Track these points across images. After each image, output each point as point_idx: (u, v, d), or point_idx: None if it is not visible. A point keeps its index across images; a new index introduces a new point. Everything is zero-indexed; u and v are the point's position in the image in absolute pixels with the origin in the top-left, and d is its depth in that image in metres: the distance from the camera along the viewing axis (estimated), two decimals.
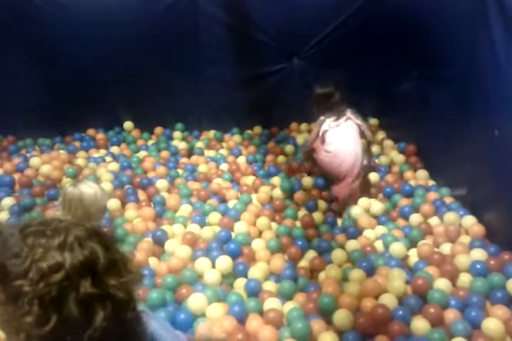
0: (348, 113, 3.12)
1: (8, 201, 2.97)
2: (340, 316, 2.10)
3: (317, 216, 2.96)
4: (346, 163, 3.00)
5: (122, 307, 0.83)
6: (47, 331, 0.77)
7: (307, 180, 3.32)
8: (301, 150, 3.67)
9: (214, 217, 2.90)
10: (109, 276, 0.82)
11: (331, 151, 3.04)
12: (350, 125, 3.10)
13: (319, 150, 3.14)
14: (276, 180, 3.35)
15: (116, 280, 0.83)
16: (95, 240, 0.84)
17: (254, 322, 2.08)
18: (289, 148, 3.81)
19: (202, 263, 2.44)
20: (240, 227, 2.79)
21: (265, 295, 2.28)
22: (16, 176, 3.24)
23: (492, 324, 2.06)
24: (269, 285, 2.38)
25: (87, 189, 2.15)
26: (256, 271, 2.43)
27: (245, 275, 2.44)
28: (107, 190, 2.31)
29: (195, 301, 2.15)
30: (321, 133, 3.11)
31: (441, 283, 2.31)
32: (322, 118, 3.13)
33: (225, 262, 2.43)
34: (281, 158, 3.69)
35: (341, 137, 3.04)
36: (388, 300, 2.21)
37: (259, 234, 2.84)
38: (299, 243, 2.70)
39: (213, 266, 2.45)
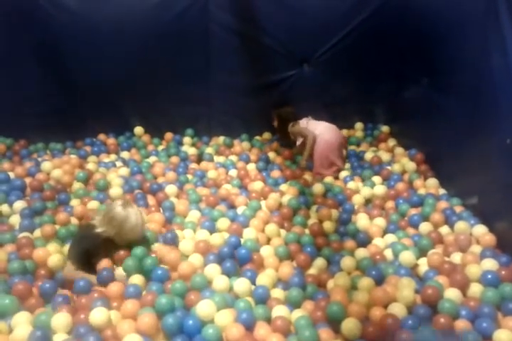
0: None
1: (20, 204, 3.00)
2: (349, 325, 2.08)
3: (327, 225, 2.95)
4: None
5: None
6: None
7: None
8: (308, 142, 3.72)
9: (223, 222, 2.89)
10: None
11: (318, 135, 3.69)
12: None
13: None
14: (284, 187, 3.35)
15: None
16: None
17: (262, 330, 2.07)
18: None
19: (211, 270, 2.44)
20: (249, 234, 2.78)
21: (273, 302, 2.27)
22: (28, 180, 3.27)
23: (504, 336, 2.03)
24: (277, 293, 2.37)
25: (133, 214, 2.34)
26: (264, 278, 2.42)
27: (253, 282, 2.43)
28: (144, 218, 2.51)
29: (204, 307, 2.14)
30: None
31: (452, 293, 2.28)
32: (300, 122, 3.80)
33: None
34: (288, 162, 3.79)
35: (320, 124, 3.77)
36: (397, 309, 2.18)
37: (268, 240, 2.83)
38: (308, 250, 2.69)
39: (222, 273, 2.45)
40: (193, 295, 2.25)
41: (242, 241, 2.73)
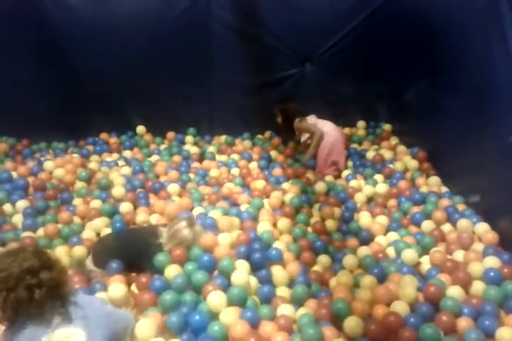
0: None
1: (22, 204, 3.01)
2: (351, 323, 2.08)
3: (329, 223, 2.95)
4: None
5: (55, 288, 1.66)
6: (12, 303, 1.60)
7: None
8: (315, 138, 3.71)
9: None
10: (41, 274, 1.64)
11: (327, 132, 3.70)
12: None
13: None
14: (287, 185, 3.35)
15: (48, 275, 1.65)
16: (37, 257, 1.67)
17: (267, 328, 2.07)
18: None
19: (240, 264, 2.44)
20: (264, 227, 2.81)
21: (278, 300, 2.27)
22: (30, 179, 3.28)
23: (506, 333, 2.03)
24: (283, 291, 2.36)
25: (198, 234, 2.47)
26: (281, 275, 2.42)
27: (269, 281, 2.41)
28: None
29: (214, 300, 2.16)
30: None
31: (454, 291, 2.28)
32: (308, 118, 3.78)
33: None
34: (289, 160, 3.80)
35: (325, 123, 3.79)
36: (400, 307, 2.18)
37: (278, 236, 2.83)
38: (318, 244, 2.72)
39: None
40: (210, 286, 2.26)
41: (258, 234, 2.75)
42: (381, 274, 2.43)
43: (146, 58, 3.75)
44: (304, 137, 3.81)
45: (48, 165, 3.43)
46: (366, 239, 2.81)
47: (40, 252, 1.74)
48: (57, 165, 3.44)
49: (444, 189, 3.28)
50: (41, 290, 1.63)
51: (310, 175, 3.56)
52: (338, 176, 3.64)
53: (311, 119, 3.78)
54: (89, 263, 2.49)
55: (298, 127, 3.82)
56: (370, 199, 3.30)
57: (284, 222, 2.88)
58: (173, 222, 2.54)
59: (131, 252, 2.46)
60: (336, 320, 2.14)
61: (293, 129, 3.86)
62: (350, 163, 3.79)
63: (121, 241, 2.52)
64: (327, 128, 3.71)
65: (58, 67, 3.74)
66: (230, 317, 2.10)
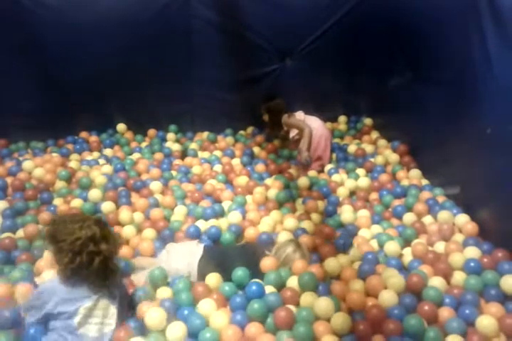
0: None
1: (1, 205, 2.95)
2: (340, 320, 2.05)
3: (314, 216, 2.97)
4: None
5: (108, 260, 1.91)
6: (74, 265, 1.85)
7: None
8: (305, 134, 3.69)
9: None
10: (101, 244, 1.88)
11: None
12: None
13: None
14: (269, 181, 3.36)
15: (106, 246, 1.89)
16: (99, 227, 1.91)
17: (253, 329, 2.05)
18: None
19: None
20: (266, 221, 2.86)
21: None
22: (9, 180, 3.21)
23: (486, 321, 2.07)
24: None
25: (307, 255, 2.44)
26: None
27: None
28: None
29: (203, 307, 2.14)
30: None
31: (436, 282, 2.32)
32: (296, 114, 3.77)
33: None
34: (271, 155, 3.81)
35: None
36: (388, 296, 2.19)
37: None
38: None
39: None
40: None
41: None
42: (370, 267, 2.43)
43: (127, 56, 3.70)
44: (293, 133, 3.78)
45: (27, 164, 3.37)
46: (352, 233, 2.84)
47: (102, 223, 1.98)
48: (37, 165, 3.38)
49: (425, 181, 3.33)
50: (99, 258, 1.85)
51: (292, 170, 3.57)
52: (321, 171, 3.65)
53: (300, 115, 3.77)
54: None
55: (287, 123, 3.78)
56: (352, 193, 3.33)
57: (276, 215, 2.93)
58: (279, 244, 2.51)
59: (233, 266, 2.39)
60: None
61: (280, 125, 3.82)
62: (332, 158, 3.82)
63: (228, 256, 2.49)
64: (314, 124, 3.71)
65: (36, 66, 3.66)
66: (220, 322, 2.07)
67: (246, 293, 2.21)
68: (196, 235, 2.75)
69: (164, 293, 2.25)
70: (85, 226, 1.86)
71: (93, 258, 1.84)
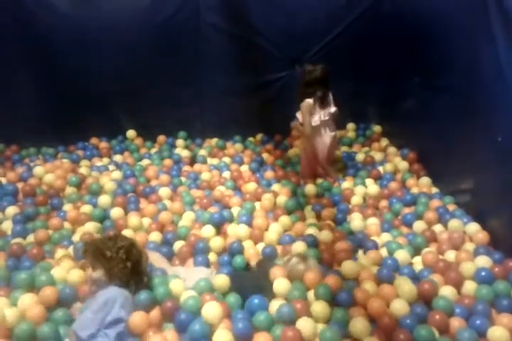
0: (331, 97, 3.44)
1: (12, 210, 2.98)
2: (358, 325, 2.04)
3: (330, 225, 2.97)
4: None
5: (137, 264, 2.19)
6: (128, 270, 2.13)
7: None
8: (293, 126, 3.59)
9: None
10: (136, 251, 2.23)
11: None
12: (329, 111, 3.44)
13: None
14: (276, 186, 3.35)
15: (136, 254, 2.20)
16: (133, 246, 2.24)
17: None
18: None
19: None
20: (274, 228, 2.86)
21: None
22: (20, 185, 3.25)
23: (498, 332, 2.04)
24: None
25: (314, 266, 2.41)
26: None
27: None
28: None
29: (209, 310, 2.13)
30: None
31: (447, 291, 2.29)
32: (309, 101, 3.35)
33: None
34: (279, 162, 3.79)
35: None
36: (399, 305, 2.16)
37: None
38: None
39: None
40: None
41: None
42: (388, 275, 2.41)
43: (136, 62, 3.74)
44: (298, 119, 3.48)
45: (38, 170, 3.40)
46: (362, 241, 2.80)
47: (123, 236, 2.35)
48: (47, 171, 3.41)
49: (435, 189, 3.30)
50: (133, 263, 2.15)
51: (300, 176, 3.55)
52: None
53: (316, 112, 3.37)
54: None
55: (300, 106, 3.38)
56: (361, 201, 3.30)
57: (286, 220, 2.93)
58: (286, 258, 2.49)
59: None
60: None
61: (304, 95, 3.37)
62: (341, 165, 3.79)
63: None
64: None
65: (46, 71, 3.71)
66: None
67: (247, 307, 2.17)
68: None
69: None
70: (117, 239, 2.19)
71: (139, 262, 2.17)
